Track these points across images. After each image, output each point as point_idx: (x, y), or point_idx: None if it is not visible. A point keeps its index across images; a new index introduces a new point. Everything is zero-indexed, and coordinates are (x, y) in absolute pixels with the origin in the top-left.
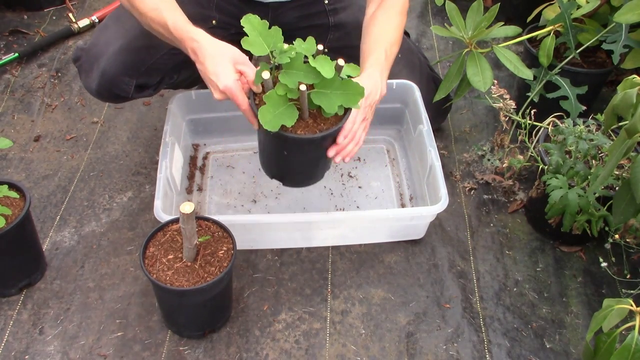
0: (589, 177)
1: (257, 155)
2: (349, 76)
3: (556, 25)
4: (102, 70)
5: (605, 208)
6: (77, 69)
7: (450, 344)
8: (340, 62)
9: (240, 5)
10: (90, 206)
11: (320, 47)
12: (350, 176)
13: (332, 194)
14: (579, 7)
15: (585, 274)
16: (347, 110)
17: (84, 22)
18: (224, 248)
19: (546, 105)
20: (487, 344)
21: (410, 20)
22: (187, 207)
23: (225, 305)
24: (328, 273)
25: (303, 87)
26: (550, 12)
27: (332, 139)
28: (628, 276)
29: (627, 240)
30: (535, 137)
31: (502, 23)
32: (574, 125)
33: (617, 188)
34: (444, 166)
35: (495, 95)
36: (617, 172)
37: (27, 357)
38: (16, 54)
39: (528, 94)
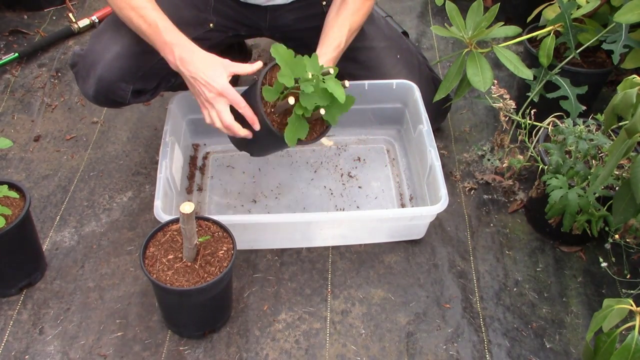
0: (589, 177)
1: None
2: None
3: (556, 25)
4: (98, 77)
5: (605, 208)
6: (74, 74)
7: (450, 344)
8: (347, 83)
9: (237, 7)
10: (90, 206)
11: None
12: (350, 176)
13: (332, 194)
14: (579, 7)
15: (585, 274)
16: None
17: (84, 22)
18: (224, 248)
19: (546, 105)
20: (487, 344)
21: (410, 20)
22: (187, 207)
23: (225, 305)
24: (328, 273)
25: (292, 101)
26: (550, 12)
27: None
28: (628, 276)
29: (627, 240)
30: (535, 137)
31: (502, 23)
32: (574, 125)
33: (617, 188)
34: (444, 166)
35: (495, 95)
36: (617, 172)
37: (27, 357)
38: (16, 54)
39: (528, 94)
